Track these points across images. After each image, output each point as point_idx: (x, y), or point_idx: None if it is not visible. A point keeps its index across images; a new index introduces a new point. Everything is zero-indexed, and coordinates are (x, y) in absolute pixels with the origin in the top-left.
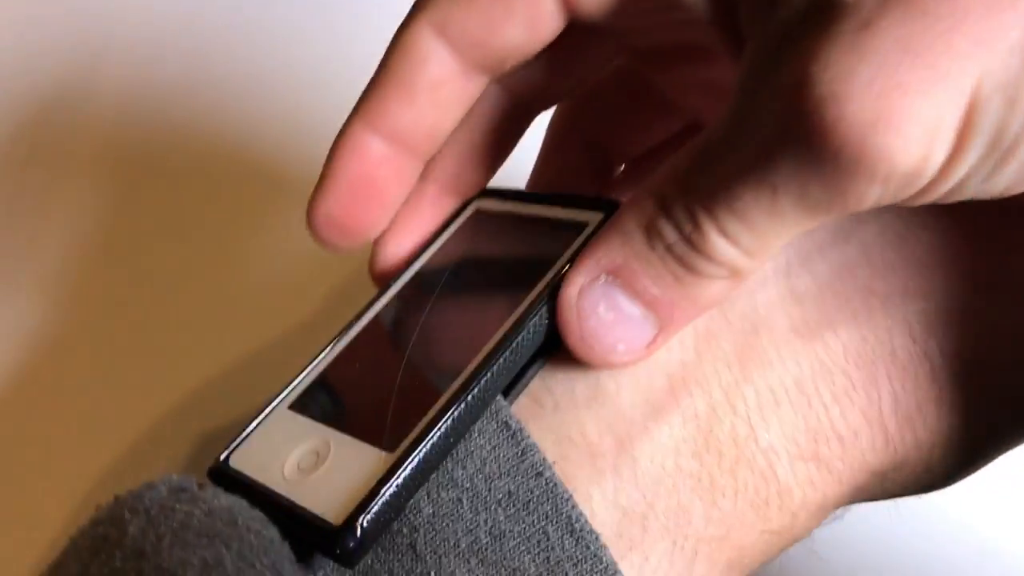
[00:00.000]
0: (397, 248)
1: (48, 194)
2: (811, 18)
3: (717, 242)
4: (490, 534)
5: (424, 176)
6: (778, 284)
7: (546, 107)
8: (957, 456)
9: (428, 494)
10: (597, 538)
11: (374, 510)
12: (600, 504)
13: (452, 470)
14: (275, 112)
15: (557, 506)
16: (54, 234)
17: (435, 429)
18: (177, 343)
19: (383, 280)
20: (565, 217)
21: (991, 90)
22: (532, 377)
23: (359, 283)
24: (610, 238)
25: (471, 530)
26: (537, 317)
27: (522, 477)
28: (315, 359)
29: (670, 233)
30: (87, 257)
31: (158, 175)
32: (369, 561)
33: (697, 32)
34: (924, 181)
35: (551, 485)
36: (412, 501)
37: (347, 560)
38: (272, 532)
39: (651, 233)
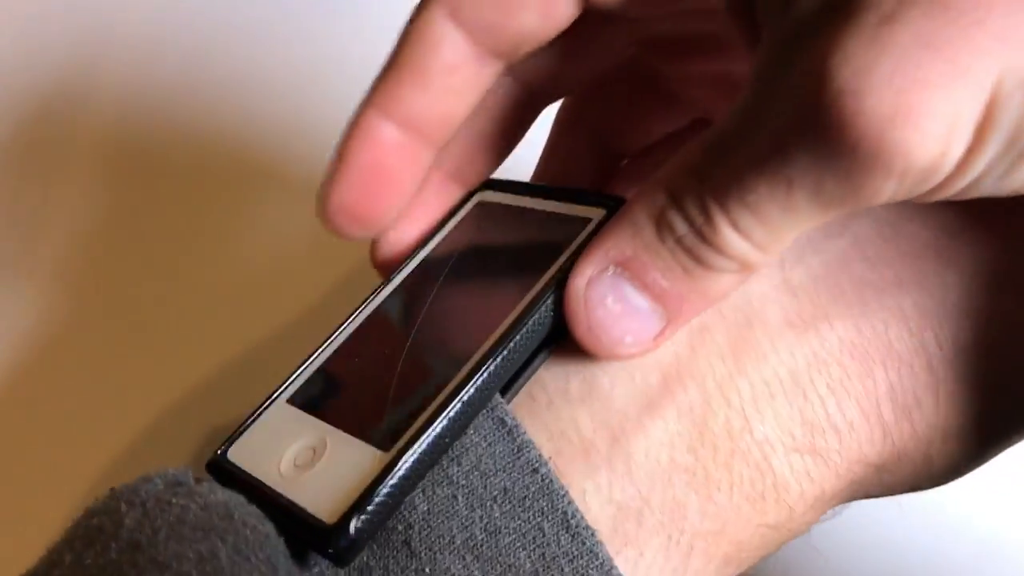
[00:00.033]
0: (401, 236)
1: (47, 192)
2: (831, 9)
3: (729, 235)
4: (485, 530)
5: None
6: (772, 277)
7: (555, 98)
8: (958, 450)
9: (423, 491)
10: (593, 534)
11: (368, 510)
12: (594, 499)
13: (447, 467)
14: (275, 110)
15: (553, 502)
16: (53, 232)
17: (431, 428)
18: (177, 340)
19: (386, 269)
20: (568, 212)
21: (1012, 87)
22: (533, 373)
23: (360, 278)
24: (620, 229)
25: (466, 527)
26: (539, 313)
27: (518, 474)
28: (315, 352)
29: (681, 225)
30: (86, 255)
31: (157, 173)
32: (364, 558)
33: (711, 22)
34: (940, 177)
35: (547, 481)
36: (407, 498)
37: (340, 559)
38: (268, 527)
39: (661, 225)
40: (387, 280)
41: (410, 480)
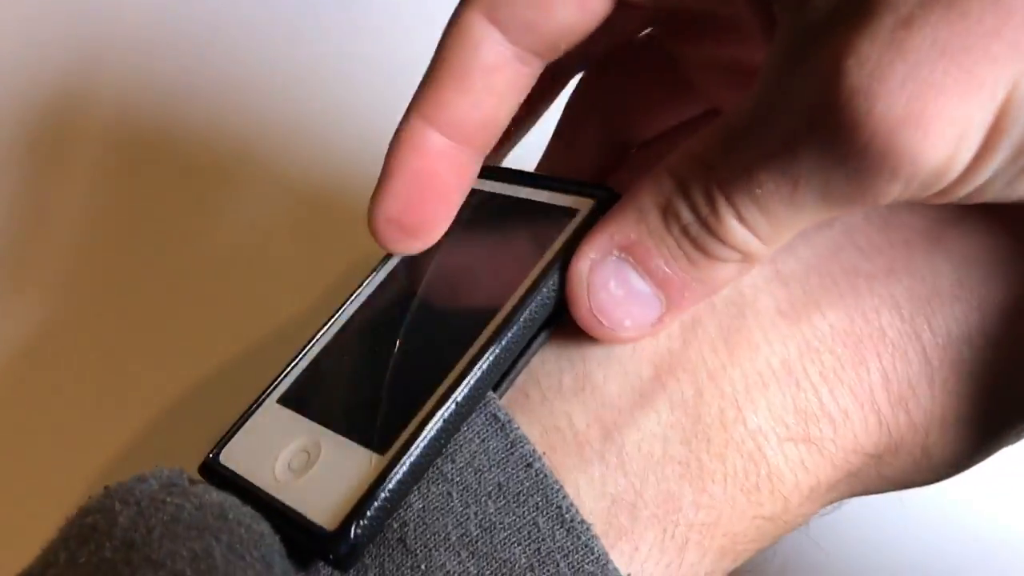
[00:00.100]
0: None
1: (47, 192)
2: (848, 9)
3: (733, 227)
4: (480, 526)
5: None
6: (763, 268)
7: (571, 74)
8: (957, 442)
9: (418, 488)
10: (588, 528)
11: (367, 515)
12: (588, 493)
13: (442, 464)
14: (276, 110)
15: (547, 497)
16: (53, 232)
17: (427, 429)
18: (177, 339)
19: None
20: (558, 202)
21: (1023, 96)
22: (528, 362)
23: (361, 276)
24: (625, 215)
25: (461, 523)
26: (536, 301)
27: (512, 469)
28: (304, 349)
29: (686, 214)
30: (86, 256)
31: (158, 173)
32: (361, 556)
33: (729, 4)
34: (946, 182)
35: (541, 476)
36: None
37: (342, 564)
38: (263, 526)
39: (667, 212)
40: (374, 272)
41: (408, 482)
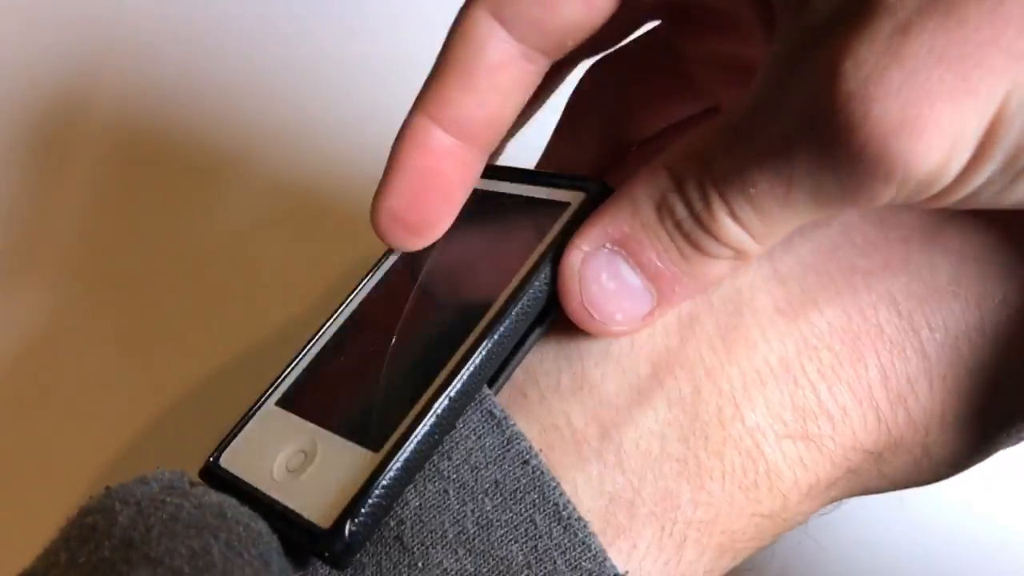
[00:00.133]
0: None
1: (48, 193)
2: (847, 13)
3: (727, 224)
4: (477, 524)
5: None
6: (761, 267)
7: (572, 65)
8: (958, 440)
9: (415, 486)
10: (585, 525)
11: (362, 512)
12: (586, 491)
13: (438, 462)
14: (276, 111)
15: (544, 494)
16: (53, 235)
17: (420, 426)
18: (177, 341)
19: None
20: (549, 196)
21: (1017, 105)
22: (524, 357)
23: (359, 277)
24: (619, 208)
25: (458, 520)
26: (527, 295)
27: (508, 466)
28: (301, 351)
29: (681, 209)
30: (86, 257)
31: (158, 174)
32: (357, 554)
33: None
34: (938, 187)
35: (537, 473)
36: None
37: (338, 562)
38: (261, 526)
39: (662, 207)
40: (372, 271)
41: (402, 479)
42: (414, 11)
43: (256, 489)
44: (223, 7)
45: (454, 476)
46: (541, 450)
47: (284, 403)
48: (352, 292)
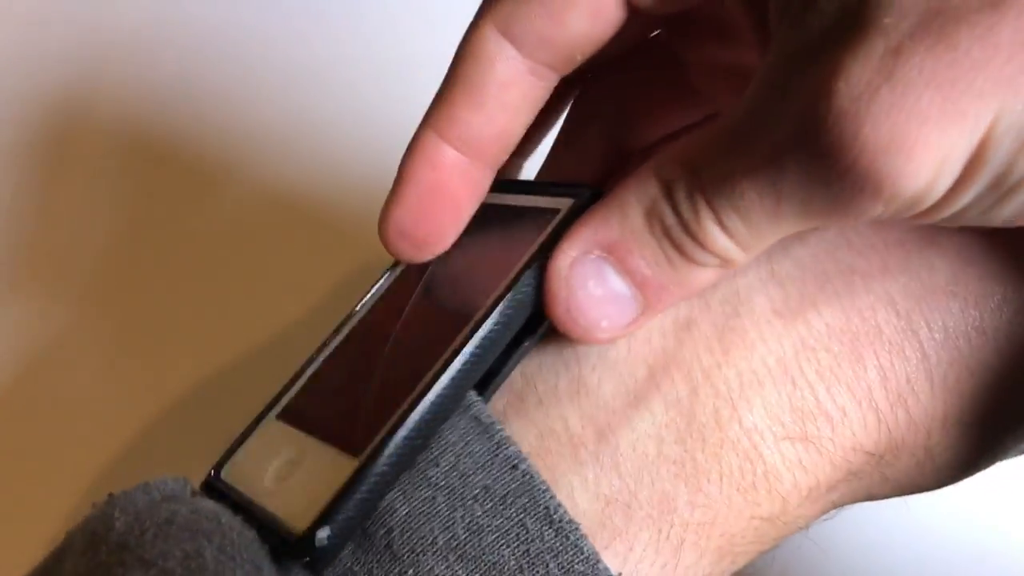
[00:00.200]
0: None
1: (48, 196)
2: (842, 30)
3: (714, 233)
4: (468, 529)
5: None
6: (759, 269)
7: (581, 80)
8: (961, 442)
9: (403, 494)
10: (577, 528)
11: (336, 518)
12: (582, 494)
13: (425, 469)
14: (277, 113)
15: (534, 498)
16: (53, 236)
17: (398, 432)
18: (177, 342)
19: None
20: (542, 204)
21: (1004, 129)
22: (514, 366)
23: (363, 279)
24: (608, 214)
25: (448, 527)
26: (511, 301)
27: (497, 471)
28: (303, 365)
29: (669, 216)
30: (87, 257)
31: (159, 175)
32: (348, 563)
33: (730, 10)
34: (924, 206)
35: (527, 477)
36: (386, 503)
37: (314, 566)
38: (253, 533)
39: (651, 214)
40: (376, 284)
41: (380, 485)
42: (415, 14)
43: (247, 497)
44: (224, 12)
45: (442, 483)
46: (538, 454)
47: (283, 415)
48: (358, 303)
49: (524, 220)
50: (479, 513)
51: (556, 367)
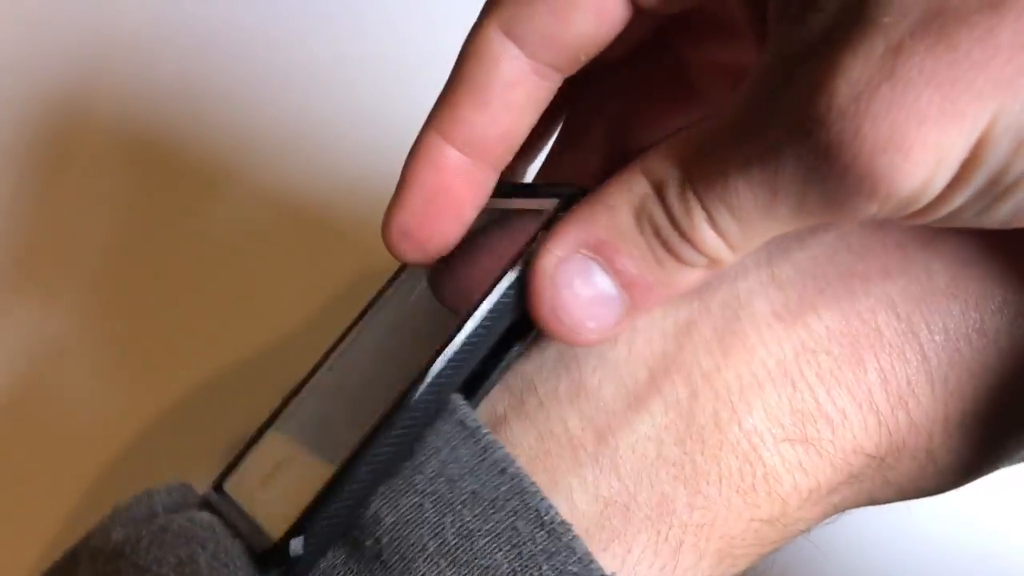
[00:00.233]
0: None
1: (47, 197)
2: (842, 28)
3: (705, 232)
4: (458, 534)
5: None
6: (759, 273)
7: (585, 81)
8: (963, 446)
9: (388, 503)
10: (569, 529)
11: (309, 525)
12: (581, 496)
13: (411, 476)
14: (278, 114)
15: (524, 500)
16: (54, 235)
17: (375, 437)
18: (178, 342)
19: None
20: (529, 206)
21: (1002, 130)
22: (504, 370)
23: (364, 283)
24: (595, 213)
25: (438, 533)
26: (493, 302)
27: (485, 475)
28: (304, 378)
29: (659, 216)
30: (87, 258)
31: (159, 177)
32: (339, 574)
33: (730, 8)
34: (919, 206)
35: (516, 480)
36: (372, 512)
37: (290, 574)
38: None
39: (640, 213)
40: (382, 292)
41: (357, 490)
42: (415, 15)
43: (240, 507)
44: (224, 12)
45: (428, 489)
46: (538, 456)
47: (282, 425)
48: (357, 317)
49: (512, 222)
50: (468, 518)
51: (557, 369)
